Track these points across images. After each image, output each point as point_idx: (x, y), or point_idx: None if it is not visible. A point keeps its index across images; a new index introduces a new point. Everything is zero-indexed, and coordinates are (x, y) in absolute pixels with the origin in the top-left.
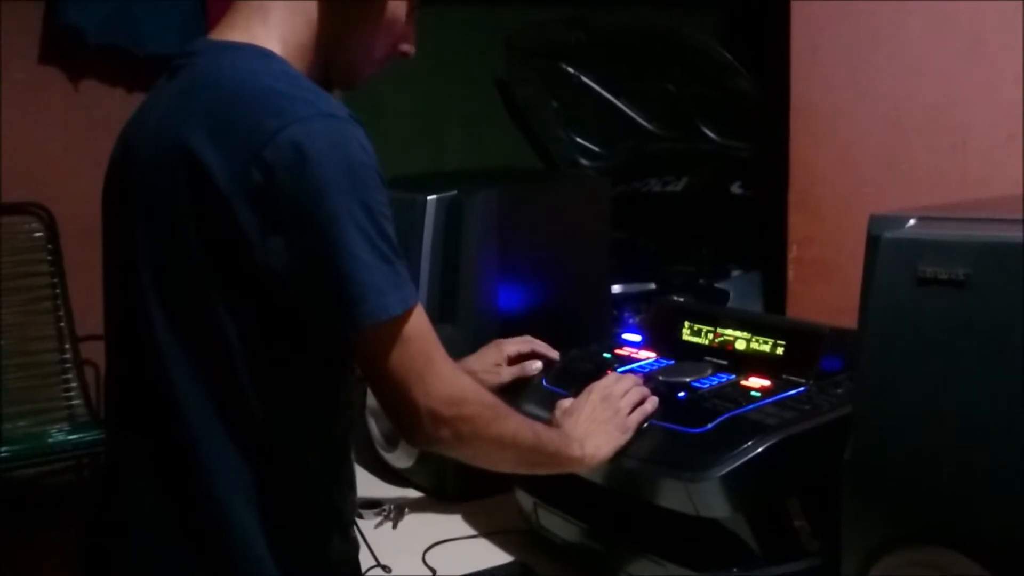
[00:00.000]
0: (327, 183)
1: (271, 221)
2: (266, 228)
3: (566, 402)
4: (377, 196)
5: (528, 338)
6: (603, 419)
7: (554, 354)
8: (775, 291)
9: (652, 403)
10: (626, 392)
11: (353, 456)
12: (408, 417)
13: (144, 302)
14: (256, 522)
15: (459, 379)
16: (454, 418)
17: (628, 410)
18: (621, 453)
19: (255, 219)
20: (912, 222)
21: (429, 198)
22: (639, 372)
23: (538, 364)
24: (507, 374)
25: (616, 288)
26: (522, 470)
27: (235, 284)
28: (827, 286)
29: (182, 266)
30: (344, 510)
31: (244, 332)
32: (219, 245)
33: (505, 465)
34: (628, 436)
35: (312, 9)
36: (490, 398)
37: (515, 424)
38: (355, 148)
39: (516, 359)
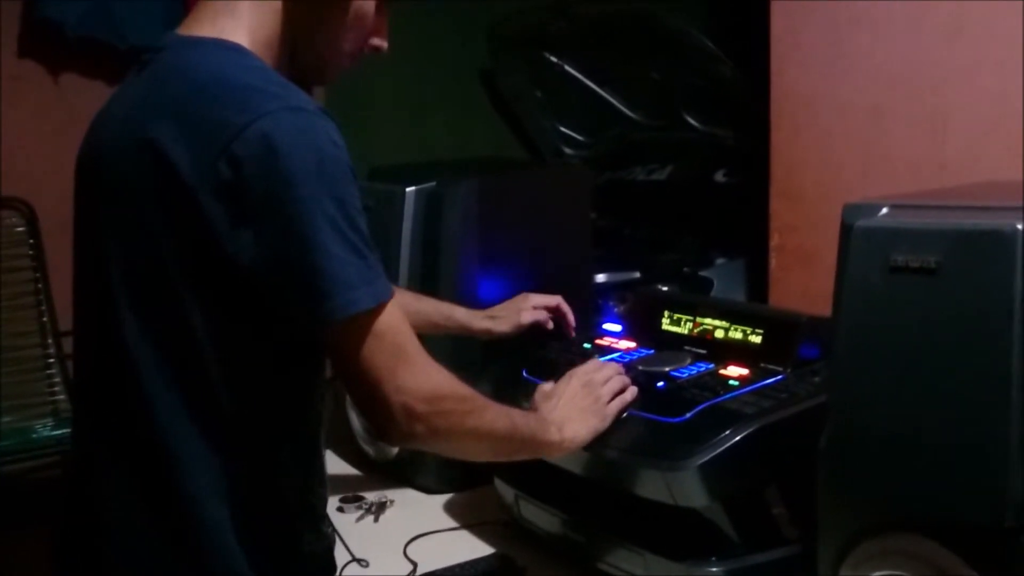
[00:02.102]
0: (297, 176)
1: (240, 215)
2: (235, 221)
3: (547, 386)
4: (348, 188)
5: (559, 298)
6: (583, 405)
7: (571, 324)
8: (759, 279)
9: (632, 392)
10: (607, 380)
11: (324, 451)
12: (381, 413)
13: (113, 298)
14: (228, 518)
15: (433, 374)
16: (428, 414)
17: (608, 398)
18: (599, 442)
19: (223, 213)
20: (884, 210)
21: (408, 189)
22: (619, 362)
23: (551, 324)
24: (527, 316)
25: (601, 277)
26: (500, 459)
27: (203, 279)
28: (808, 274)
29: (150, 262)
30: (316, 505)
31: (213, 328)
32: (187, 239)
33: (482, 456)
34: (607, 424)
35: (279, 5)
36: (465, 391)
37: (491, 415)
38: (324, 141)
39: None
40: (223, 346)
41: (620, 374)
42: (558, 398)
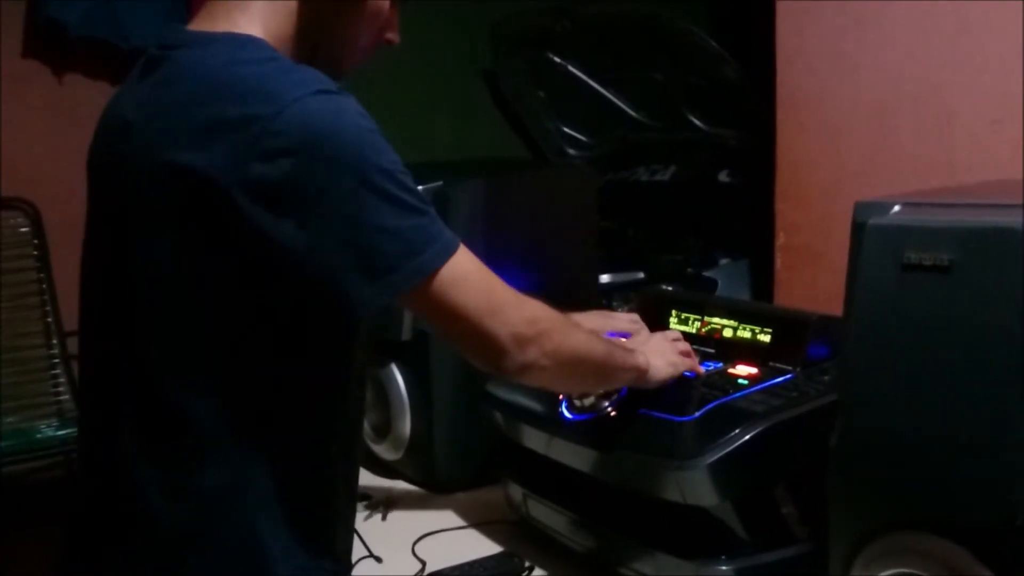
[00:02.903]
0: (338, 160)
1: (282, 207)
2: (278, 215)
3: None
4: (389, 155)
5: (636, 318)
6: (662, 349)
7: None
8: (763, 279)
9: (696, 361)
10: (677, 340)
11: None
12: (493, 350)
13: (133, 296)
14: (258, 514)
15: (525, 300)
16: (537, 336)
17: (683, 348)
18: (609, 440)
19: (263, 208)
20: (897, 208)
21: None
22: None
23: None
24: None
25: (605, 278)
26: (598, 385)
27: (237, 276)
28: (814, 273)
29: (177, 264)
30: (348, 502)
31: (245, 323)
32: (221, 241)
33: (584, 381)
34: (679, 370)
35: (294, 5)
36: (557, 312)
37: (585, 336)
38: (356, 118)
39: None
40: (254, 341)
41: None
42: (639, 339)
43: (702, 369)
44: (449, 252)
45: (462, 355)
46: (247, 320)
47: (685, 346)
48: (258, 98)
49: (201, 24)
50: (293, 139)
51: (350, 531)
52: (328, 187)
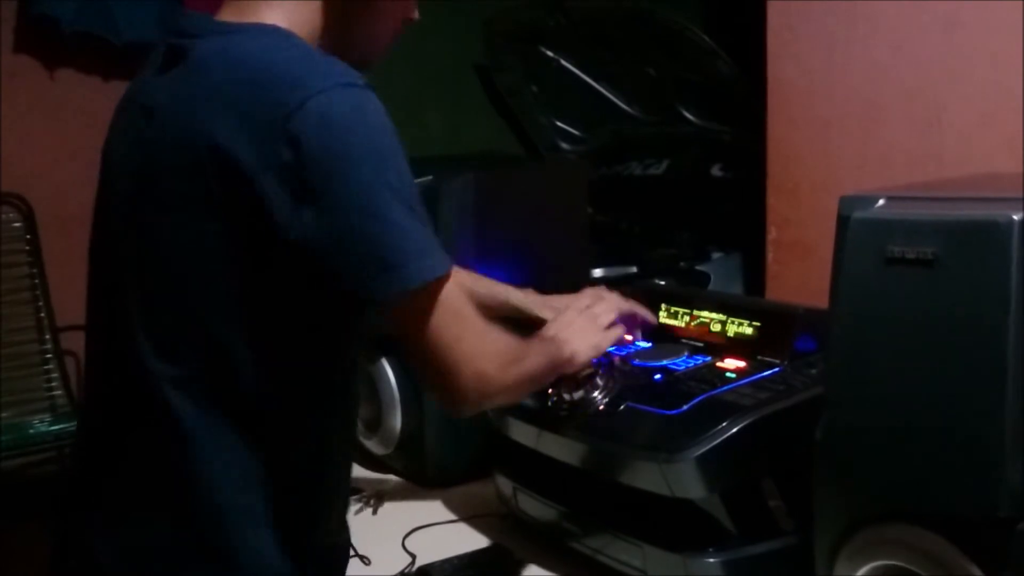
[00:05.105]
0: (357, 152)
1: (302, 194)
2: (297, 202)
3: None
4: (404, 161)
5: (635, 304)
6: (582, 331)
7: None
8: (755, 273)
9: (621, 328)
10: (603, 312)
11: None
12: (455, 385)
13: (138, 289)
14: (248, 506)
15: (491, 332)
16: (498, 373)
17: (606, 322)
18: (600, 435)
19: (285, 194)
20: (881, 202)
21: None
22: (617, 355)
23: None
24: None
25: (597, 272)
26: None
27: (249, 268)
28: (805, 267)
29: (194, 252)
30: (342, 496)
31: (250, 315)
32: (239, 231)
33: (526, 394)
34: (608, 343)
35: (317, 3)
36: (514, 340)
37: (533, 358)
38: (378, 115)
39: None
40: (257, 333)
41: (615, 309)
42: (561, 321)
43: (622, 329)
44: (448, 266)
45: (422, 382)
46: (260, 301)
47: (608, 318)
48: (285, 86)
49: (227, 16)
50: (315, 128)
51: (339, 536)
52: (346, 178)
